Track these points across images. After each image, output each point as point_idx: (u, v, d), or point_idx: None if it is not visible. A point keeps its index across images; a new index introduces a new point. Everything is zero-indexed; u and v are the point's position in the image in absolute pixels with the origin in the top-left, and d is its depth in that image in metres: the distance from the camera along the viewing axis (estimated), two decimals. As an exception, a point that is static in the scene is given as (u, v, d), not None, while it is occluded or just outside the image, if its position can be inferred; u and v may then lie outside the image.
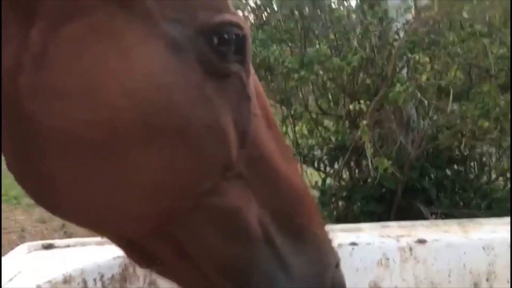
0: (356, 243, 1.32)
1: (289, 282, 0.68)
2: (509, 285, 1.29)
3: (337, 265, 0.74)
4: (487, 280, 1.29)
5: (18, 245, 1.35)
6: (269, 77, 3.02)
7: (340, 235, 1.39)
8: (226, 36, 0.61)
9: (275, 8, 3.64)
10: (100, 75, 0.56)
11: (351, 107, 2.39)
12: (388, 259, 1.30)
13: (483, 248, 1.31)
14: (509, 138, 2.47)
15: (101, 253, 1.22)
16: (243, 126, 0.64)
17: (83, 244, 1.33)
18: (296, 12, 3.19)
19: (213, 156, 0.62)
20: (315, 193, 2.82)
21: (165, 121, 0.58)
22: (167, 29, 0.58)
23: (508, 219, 1.49)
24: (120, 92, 0.56)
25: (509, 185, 2.66)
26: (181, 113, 0.59)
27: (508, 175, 2.74)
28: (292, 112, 3.12)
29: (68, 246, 1.30)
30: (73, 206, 0.62)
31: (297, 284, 0.68)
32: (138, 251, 0.69)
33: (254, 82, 0.68)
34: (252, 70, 0.67)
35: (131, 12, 0.58)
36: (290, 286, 0.68)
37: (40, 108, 0.56)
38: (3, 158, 0.63)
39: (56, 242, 1.33)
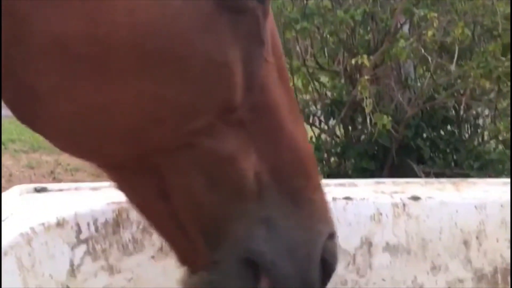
0: (351, 197, 1.32)
1: (272, 243, 0.65)
2: (498, 244, 1.31)
3: (332, 236, 0.71)
4: (477, 238, 1.31)
5: (6, 189, 1.33)
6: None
7: (335, 190, 1.39)
8: None
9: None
10: None
11: (352, 61, 2.35)
12: (381, 214, 1.31)
13: (475, 207, 1.32)
14: (505, 100, 2.47)
15: (95, 198, 1.22)
16: (252, 69, 0.60)
17: (76, 189, 1.32)
18: (298, -38, 3.09)
19: (213, 92, 0.58)
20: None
21: (165, 47, 0.55)
22: None
23: (501, 180, 1.50)
24: (122, 8, 0.53)
25: (501, 147, 2.67)
26: (184, 41, 0.55)
27: (501, 137, 2.75)
28: (288, 66, 3.07)
29: (61, 190, 1.29)
30: (57, 121, 0.58)
31: (282, 249, 0.66)
32: (122, 180, 0.66)
33: (271, 29, 0.63)
34: (271, 16, 0.63)
35: None
36: (271, 248, 0.66)
37: (37, 11, 0.53)
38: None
39: (49, 185, 1.32)
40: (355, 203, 1.31)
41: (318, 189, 0.71)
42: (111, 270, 1.18)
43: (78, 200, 1.21)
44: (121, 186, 0.69)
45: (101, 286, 1.15)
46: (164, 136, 0.60)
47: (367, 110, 2.19)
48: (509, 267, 1.31)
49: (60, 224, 1.10)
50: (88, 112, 0.57)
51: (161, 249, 1.24)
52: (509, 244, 1.31)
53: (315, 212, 0.69)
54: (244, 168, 0.64)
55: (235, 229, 0.65)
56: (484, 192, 1.37)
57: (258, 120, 0.64)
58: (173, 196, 0.64)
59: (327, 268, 0.71)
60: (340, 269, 1.30)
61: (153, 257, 1.24)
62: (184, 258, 0.72)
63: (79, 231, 1.13)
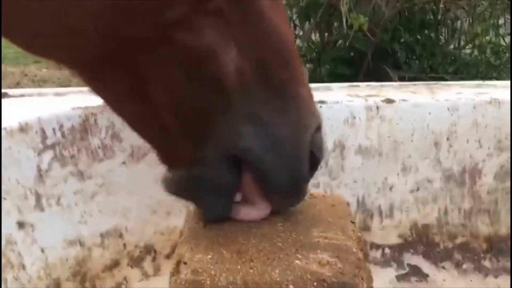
0: (325, 101, 1.30)
1: (259, 140, 0.64)
2: (468, 145, 1.33)
3: (318, 129, 0.69)
4: (448, 139, 1.32)
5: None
6: None
7: (308, 93, 1.36)
8: None
9: None
10: None
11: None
12: (354, 117, 1.30)
13: (448, 108, 1.32)
14: (483, 3, 2.41)
15: (59, 104, 1.17)
16: None
17: (39, 94, 1.26)
18: None
19: None
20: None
21: None
22: None
23: (475, 82, 1.50)
24: None
25: (476, 52, 2.66)
26: None
27: (477, 41, 2.73)
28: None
29: (23, 95, 1.24)
30: (22, 17, 0.54)
31: (269, 145, 0.64)
32: (97, 80, 0.62)
33: None
34: None
35: None
36: (258, 145, 0.64)
37: None
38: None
39: (10, 91, 1.26)
40: (328, 106, 1.30)
41: (303, 82, 0.68)
42: (81, 175, 1.17)
43: (41, 105, 1.16)
44: (97, 88, 0.65)
45: (71, 191, 1.14)
46: (137, 29, 0.56)
47: (344, 10, 2.10)
48: (477, 167, 1.34)
49: (23, 129, 1.06)
50: (55, 7, 0.53)
51: (131, 154, 1.22)
52: (478, 145, 1.33)
53: (301, 106, 0.66)
54: (225, 61, 0.59)
55: (220, 126, 0.62)
56: (456, 94, 1.37)
57: (237, 8, 0.59)
58: (152, 94, 0.60)
59: (314, 161, 0.70)
60: (313, 171, 1.31)
61: (124, 163, 1.22)
62: (167, 158, 0.70)
63: (44, 136, 1.09)
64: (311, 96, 0.69)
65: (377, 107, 1.30)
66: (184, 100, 0.61)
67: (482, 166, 1.34)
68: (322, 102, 1.30)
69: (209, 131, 0.63)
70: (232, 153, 0.65)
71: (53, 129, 1.11)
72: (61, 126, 1.13)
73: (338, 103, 1.30)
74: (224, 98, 0.61)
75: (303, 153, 0.67)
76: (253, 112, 0.63)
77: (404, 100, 1.32)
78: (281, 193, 0.70)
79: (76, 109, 1.16)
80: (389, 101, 1.31)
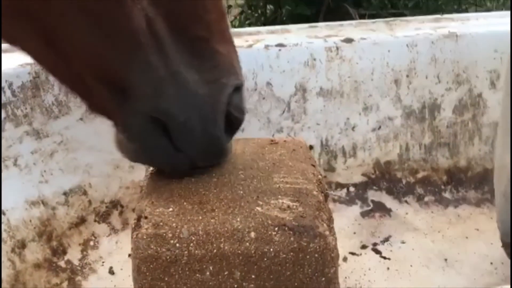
0: (284, 44, 1.28)
1: (174, 98, 0.61)
2: (427, 81, 1.34)
3: (238, 89, 0.67)
4: (407, 76, 1.33)
5: None
6: None
7: (267, 37, 1.34)
8: None
9: None
10: None
11: None
12: (315, 59, 1.29)
13: (407, 45, 1.32)
14: None
15: (5, 61, 1.11)
16: None
17: (-17, 52, 1.19)
18: None
19: None
20: (243, -4, 2.68)
21: None
22: None
23: (433, 16, 1.49)
24: None
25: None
26: None
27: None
28: None
29: (-34, 54, 1.17)
30: None
31: (184, 101, 0.62)
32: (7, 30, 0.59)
33: None
34: None
35: None
36: (173, 102, 0.62)
37: None
38: None
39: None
40: (288, 49, 1.28)
41: (224, 40, 0.65)
42: (37, 134, 1.13)
43: (-14, 63, 1.10)
44: (10, 38, 0.61)
45: (28, 151, 1.11)
46: None
47: None
48: (437, 102, 1.36)
49: (-32, 90, 1.01)
50: None
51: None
52: (437, 80, 1.34)
53: (219, 64, 0.64)
54: (132, 11, 0.56)
55: (136, 84, 0.60)
56: (415, 30, 1.37)
57: None
58: (59, 45, 0.57)
59: (233, 121, 0.69)
60: (275, 117, 1.31)
61: (81, 119, 1.19)
62: (93, 109, 0.68)
63: (-8, 97, 1.04)
64: (232, 54, 0.66)
65: (337, 48, 1.29)
66: (93, 52, 0.58)
67: (441, 101, 1.36)
68: (281, 45, 1.28)
69: (124, 85, 0.60)
70: (151, 111, 0.62)
71: (2, 88, 1.06)
72: (10, 85, 1.08)
73: (297, 46, 1.28)
74: (135, 52, 0.58)
75: (218, 115, 0.65)
76: (169, 70, 0.60)
77: (363, 38, 1.31)
78: (196, 152, 0.68)
79: (25, 66, 1.11)
80: (348, 40, 1.30)
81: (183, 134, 0.64)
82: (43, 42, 0.58)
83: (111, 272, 1.11)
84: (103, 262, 1.13)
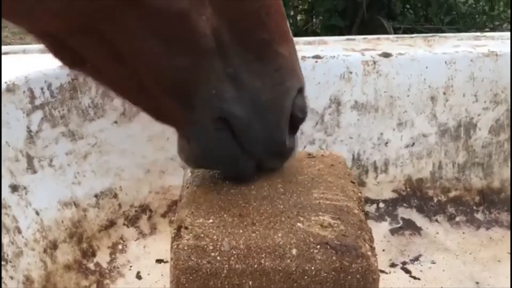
0: (320, 56, 1.27)
1: (240, 103, 0.62)
2: (464, 99, 1.31)
3: (301, 91, 0.67)
4: (444, 93, 1.31)
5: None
6: None
7: (304, 48, 1.33)
8: None
9: None
10: None
11: None
12: (351, 72, 1.27)
13: (445, 62, 1.30)
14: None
15: (45, 62, 1.12)
16: None
17: (24, 52, 1.21)
18: None
19: None
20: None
21: None
22: None
23: (473, 34, 1.47)
24: None
25: (472, 0, 2.60)
26: None
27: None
28: None
29: (7, 53, 1.19)
30: None
31: (249, 105, 0.62)
32: (65, 49, 0.59)
33: None
34: None
35: None
36: (241, 107, 0.62)
37: None
38: None
39: (-6, 49, 1.21)
40: (324, 61, 1.27)
41: (286, 42, 0.65)
42: (72, 136, 1.14)
43: (27, 63, 1.11)
44: (65, 57, 0.62)
45: (63, 152, 1.12)
46: None
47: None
48: (473, 121, 1.33)
49: (10, 89, 1.02)
50: None
51: (123, 113, 1.19)
52: (475, 99, 1.32)
53: (283, 67, 0.64)
54: (198, 24, 0.57)
55: (203, 89, 0.60)
56: (454, 47, 1.35)
57: None
58: (129, 61, 0.58)
59: (295, 122, 0.69)
60: (308, 128, 1.30)
61: (116, 122, 1.19)
62: (157, 118, 0.69)
63: (32, 96, 1.05)
64: (294, 56, 0.67)
65: (374, 62, 1.28)
66: (161, 65, 0.59)
67: (478, 120, 1.34)
68: (317, 57, 1.27)
69: (192, 93, 0.61)
70: (218, 116, 0.63)
71: (41, 89, 1.08)
72: (49, 85, 1.09)
73: (334, 58, 1.27)
74: (202, 60, 0.59)
75: (283, 119, 0.66)
76: (234, 74, 0.61)
77: (401, 53, 1.29)
78: (261, 156, 0.69)
79: (64, 67, 1.11)
80: (386, 55, 1.29)
81: (249, 136, 0.64)
82: (113, 62, 0.58)
83: (139, 277, 1.10)
84: (130, 266, 1.13)
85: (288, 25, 0.69)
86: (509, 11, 2.58)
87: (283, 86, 0.64)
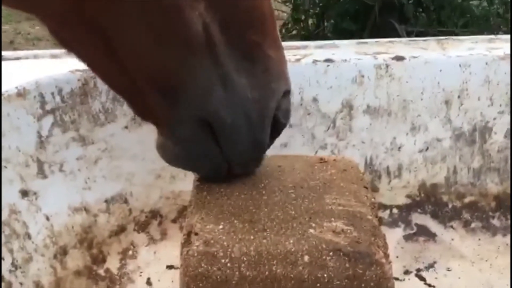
0: (332, 60, 1.25)
1: (226, 104, 0.62)
2: (479, 102, 1.29)
3: (286, 94, 0.66)
4: (459, 97, 1.29)
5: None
6: None
7: (316, 52, 1.32)
8: None
9: None
10: None
11: None
12: (363, 76, 1.26)
13: (460, 65, 1.27)
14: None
15: (56, 67, 1.12)
16: None
17: (35, 56, 1.21)
18: None
19: None
20: (286, 9, 2.67)
21: None
22: None
23: (487, 36, 1.44)
24: None
25: (485, 3, 2.57)
26: None
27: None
28: None
29: (19, 58, 1.19)
30: None
31: (236, 106, 0.62)
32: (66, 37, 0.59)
33: None
34: None
35: None
36: (227, 109, 0.62)
37: None
38: None
39: (5, 54, 1.21)
40: (336, 65, 1.25)
41: (275, 45, 0.65)
42: (83, 141, 1.14)
43: (37, 68, 1.12)
44: (69, 46, 0.63)
45: (74, 157, 1.12)
46: None
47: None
48: (488, 125, 1.31)
49: (21, 94, 1.02)
50: None
51: (134, 118, 1.19)
52: (490, 102, 1.29)
53: (270, 69, 0.64)
54: (191, 18, 0.56)
55: (189, 86, 0.60)
56: (468, 50, 1.32)
57: None
58: (119, 52, 0.58)
59: (278, 126, 0.69)
60: (320, 133, 1.28)
61: (126, 127, 1.19)
62: (140, 113, 0.70)
63: (43, 101, 1.05)
64: (282, 59, 0.67)
65: (387, 65, 1.26)
66: (151, 57, 0.59)
67: (493, 124, 1.31)
68: (329, 60, 1.26)
69: (179, 90, 0.61)
70: (202, 117, 0.63)
71: (52, 94, 1.08)
72: (60, 90, 1.09)
73: (346, 62, 1.25)
74: (191, 57, 0.59)
75: (266, 121, 0.65)
76: (222, 74, 0.61)
77: (414, 57, 1.27)
78: (239, 159, 0.68)
79: (75, 72, 1.11)
80: (399, 58, 1.27)
81: (229, 137, 0.64)
82: (101, 49, 0.58)
83: (149, 283, 1.09)
84: (141, 273, 1.12)
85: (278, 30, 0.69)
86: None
87: (269, 87, 0.64)
